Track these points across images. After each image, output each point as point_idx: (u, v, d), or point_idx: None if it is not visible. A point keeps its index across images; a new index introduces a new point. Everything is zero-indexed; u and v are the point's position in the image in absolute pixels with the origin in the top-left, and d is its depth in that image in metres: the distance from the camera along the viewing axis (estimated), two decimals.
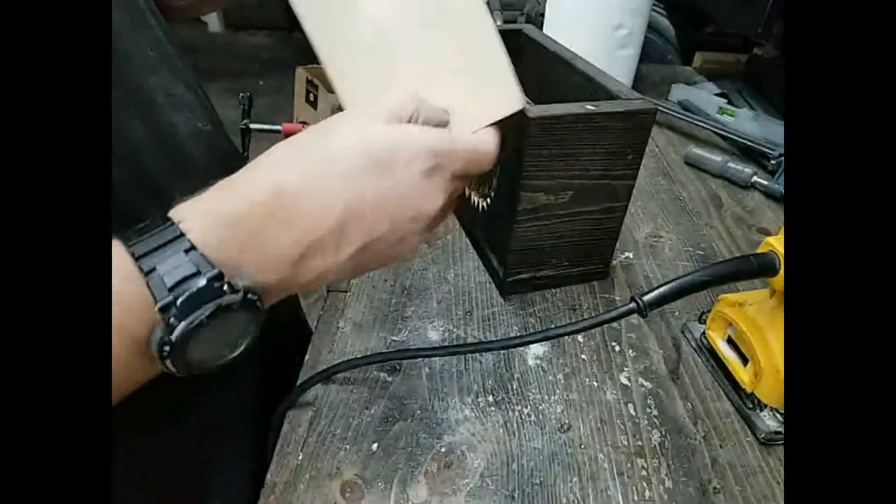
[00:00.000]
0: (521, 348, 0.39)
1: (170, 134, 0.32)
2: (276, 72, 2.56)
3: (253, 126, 1.35)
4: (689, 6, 0.93)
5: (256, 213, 0.21)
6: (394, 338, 0.39)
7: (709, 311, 0.40)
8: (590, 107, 0.35)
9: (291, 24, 3.26)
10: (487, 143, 0.28)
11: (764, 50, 0.78)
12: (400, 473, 0.31)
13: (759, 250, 0.33)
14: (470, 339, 0.40)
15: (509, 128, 0.29)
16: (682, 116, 0.69)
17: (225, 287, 0.20)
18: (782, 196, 0.57)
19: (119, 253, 0.20)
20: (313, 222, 0.22)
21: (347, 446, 0.32)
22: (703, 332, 0.40)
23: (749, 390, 0.35)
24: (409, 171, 0.23)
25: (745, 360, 0.36)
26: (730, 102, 0.73)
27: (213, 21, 3.23)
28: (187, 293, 0.19)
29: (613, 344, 0.40)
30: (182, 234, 0.20)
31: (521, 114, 0.31)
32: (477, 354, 0.38)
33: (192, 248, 0.20)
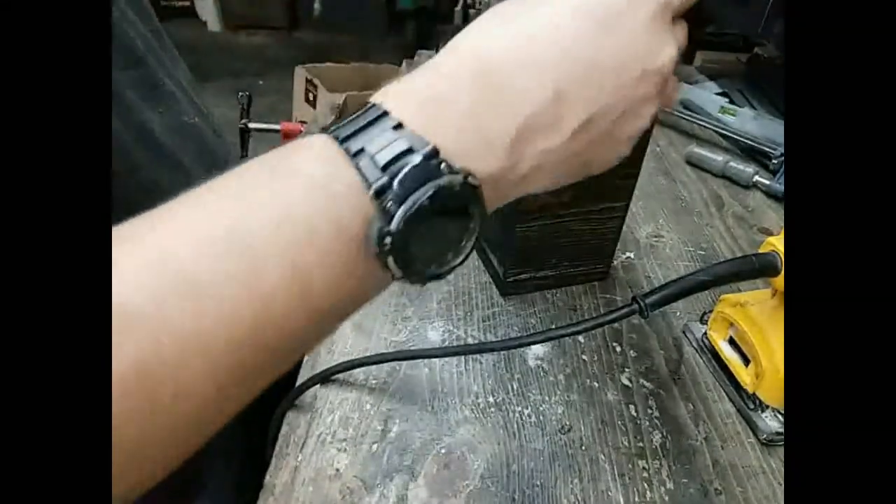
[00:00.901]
0: (522, 349, 0.39)
1: (147, 130, 0.31)
2: (276, 71, 2.56)
3: (252, 126, 1.34)
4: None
5: (463, 90, 0.18)
6: (394, 338, 0.39)
7: (710, 311, 0.40)
8: None
9: (291, 24, 3.26)
10: None
11: (765, 49, 0.78)
12: (400, 475, 0.31)
13: (761, 250, 0.33)
14: (470, 340, 0.40)
15: None
16: (683, 116, 0.69)
17: (443, 166, 0.17)
18: (783, 196, 0.57)
19: (320, 142, 0.17)
20: (526, 96, 0.19)
21: (347, 448, 0.32)
22: (705, 333, 0.39)
23: (751, 391, 0.35)
24: (629, 21, 0.20)
25: (746, 361, 0.36)
26: (731, 102, 0.72)
27: (213, 20, 3.23)
28: (403, 171, 0.16)
29: (614, 344, 0.40)
30: (387, 112, 0.17)
31: None
32: (477, 355, 0.38)
33: (400, 125, 0.17)
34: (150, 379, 0.14)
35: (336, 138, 0.17)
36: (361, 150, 0.17)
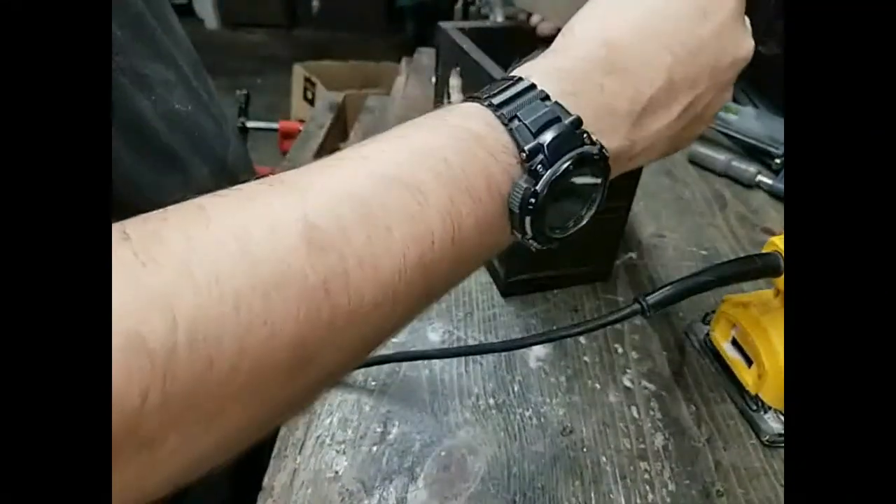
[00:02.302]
0: (523, 350, 0.39)
1: (135, 117, 0.30)
2: (274, 69, 2.55)
3: (250, 124, 1.34)
4: None
5: (595, 71, 0.20)
6: (393, 339, 0.39)
7: (713, 312, 0.39)
8: None
9: (290, 21, 3.25)
10: None
11: (767, 48, 0.78)
12: (399, 477, 0.31)
13: (764, 250, 0.33)
14: (470, 341, 0.39)
15: None
16: None
17: (585, 136, 0.19)
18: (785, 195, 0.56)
19: (476, 106, 0.19)
20: (647, 76, 0.21)
21: (346, 449, 0.32)
22: (707, 334, 0.39)
23: (753, 392, 0.35)
24: (725, 13, 0.22)
25: (749, 362, 0.36)
26: (733, 100, 0.72)
27: (210, 18, 3.22)
28: (552, 138, 0.18)
29: (616, 346, 0.40)
30: (534, 85, 0.19)
31: None
32: (478, 356, 0.38)
33: (547, 97, 0.19)
34: (334, 297, 0.16)
35: (490, 105, 0.19)
36: (515, 117, 0.19)
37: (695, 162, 0.62)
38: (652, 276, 0.46)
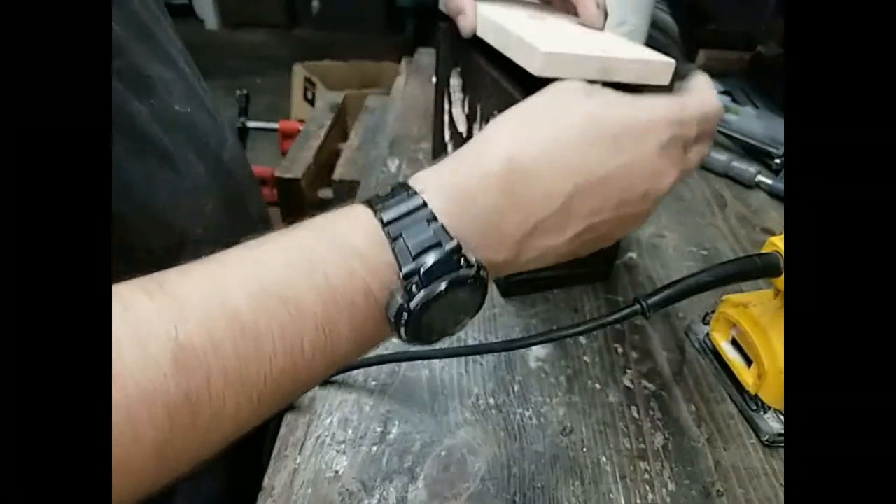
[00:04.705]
0: (523, 350, 0.39)
1: (131, 122, 0.30)
2: (274, 69, 2.55)
3: (250, 124, 1.34)
4: (692, 3, 0.93)
5: (491, 190, 0.21)
6: (393, 339, 0.39)
7: (713, 312, 0.39)
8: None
9: (290, 21, 3.25)
10: (712, 98, 0.25)
11: (767, 48, 0.78)
12: (399, 477, 0.31)
13: (763, 250, 0.33)
14: (470, 341, 0.39)
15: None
16: None
17: (461, 260, 0.20)
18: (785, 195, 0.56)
19: (367, 216, 0.20)
20: (542, 202, 0.21)
21: (346, 449, 0.32)
22: (707, 334, 0.39)
23: (753, 392, 0.35)
24: (642, 147, 0.22)
25: (749, 362, 0.36)
26: (733, 100, 0.72)
27: (210, 18, 3.22)
28: (430, 263, 0.19)
29: (616, 346, 0.40)
30: (425, 204, 0.20)
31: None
32: (478, 356, 0.38)
33: (434, 218, 0.20)
34: (195, 405, 0.17)
35: (381, 220, 0.20)
36: (400, 236, 0.20)
37: None
38: (652, 276, 0.46)
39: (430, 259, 0.19)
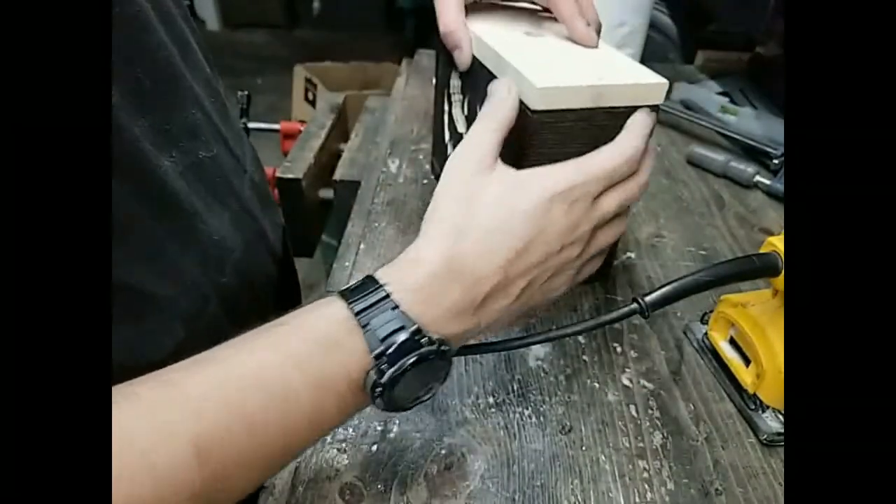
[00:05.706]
0: (522, 349, 0.39)
1: (156, 183, 0.30)
2: (275, 70, 2.55)
3: (251, 125, 1.34)
4: (691, 4, 0.93)
5: (441, 282, 0.25)
6: None
7: (711, 311, 0.40)
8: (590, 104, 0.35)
9: (290, 22, 3.25)
10: (622, 146, 0.29)
11: (766, 48, 0.78)
12: (399, 476, 0.31)
13: (762, 250, 0.33)
14: (471, 341, 0.39)
15: (512, 129, 0.29)
16: (683, 115, 0.69)
17: (423, 340, 0.24)
18: (784, 196, 0.57)
19: (342, 308, 0.25)
20: (484, 279, 0.26)
21: (347, 448, 0.32)
22: (706, 333, 0.39)
23: (751, 391, 0.35)
24: (550, 215, 0.27)
25: (747, 362, 0.36)
26: (732, 101, 0.72)
27: (212, 19, 3.22)
28: (395, 344, 0.24)
29: (615, 345, 0.40)
30: (388, 295, 0.24)
31: (523, 112, 0.31)
32: (477, 356, 0.38)
33: (396, 306, 0.24)
34: (214, 490, 0.21)
35: (353, 311, 0.24)
36: (368, 324, 0.24)
37: (693, 162, 0.63)
38: (650, 276, 0.46)
39: (395, 342, 0.24)
